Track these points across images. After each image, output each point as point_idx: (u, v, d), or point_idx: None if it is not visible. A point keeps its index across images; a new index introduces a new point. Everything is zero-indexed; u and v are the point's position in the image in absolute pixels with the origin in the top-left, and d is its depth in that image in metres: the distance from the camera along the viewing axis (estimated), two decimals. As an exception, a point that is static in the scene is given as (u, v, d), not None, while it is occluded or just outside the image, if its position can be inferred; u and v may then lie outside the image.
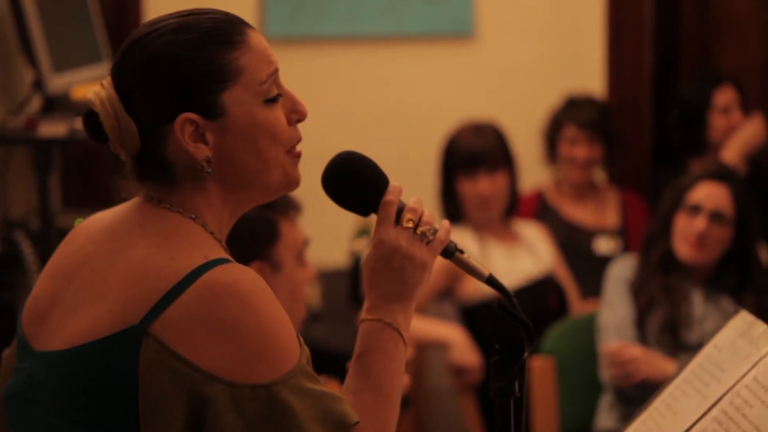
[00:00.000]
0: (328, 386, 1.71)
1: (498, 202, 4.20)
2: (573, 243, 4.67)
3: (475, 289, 4.04)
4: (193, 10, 1.74)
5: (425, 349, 4.14)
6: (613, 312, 3.75)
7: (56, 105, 3.75)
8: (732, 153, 4.64)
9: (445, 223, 1.84)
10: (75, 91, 3.88)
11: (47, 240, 3.59)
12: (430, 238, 1.79)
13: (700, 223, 3.67)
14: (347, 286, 4.41)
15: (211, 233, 1.73)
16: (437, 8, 5.03)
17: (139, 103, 1.69)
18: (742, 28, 5.19)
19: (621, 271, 3.81)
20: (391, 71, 5.08)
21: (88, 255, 1.74)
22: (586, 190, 4.84)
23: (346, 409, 1.67)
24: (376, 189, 1.80)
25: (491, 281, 1.81)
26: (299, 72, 4.86)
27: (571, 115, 4.79)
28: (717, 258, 3.72)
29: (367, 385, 1.74)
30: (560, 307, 4.21)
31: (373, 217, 1.80)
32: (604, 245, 4.72)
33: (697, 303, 3.70)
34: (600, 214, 4.83)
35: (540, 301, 4.16)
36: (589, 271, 4.49)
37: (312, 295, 4.17)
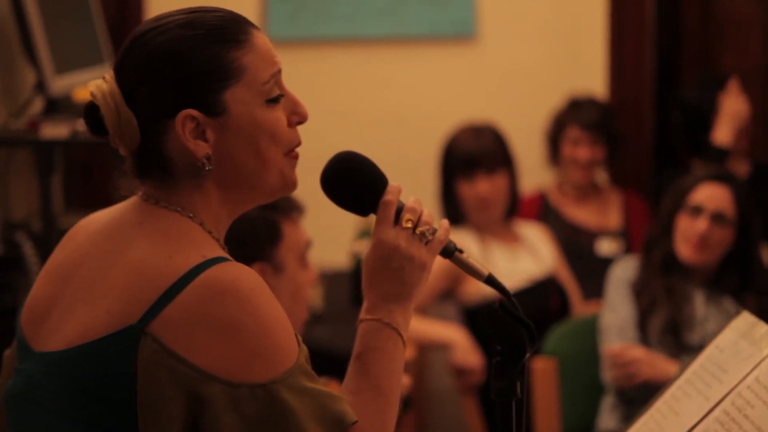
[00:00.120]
0: (330, 387, 1.71)
1: (498, 203, 4.20)
2: (575, 244, 4.67)
3: (476, 290, 4.04)
4: (198, 7, 1.74)
5: (427, 350, 4.14)
6: (615, 313, 3.75)
7: (58, 107, 3.75)
8: (723, 133, 4.60)
9: (444, 222, 1.83)
10: (77, 93, 3.88)
11: (49, 241, 3.59)
12: (429, 238, 1.79)
13: (701, 224, 3.67)
14: (349, 288, 4.41)
15: (209, 232, 1.73)
16: (438, 9, 5.03)
17: (141, 97, 1.69)
18: (743, 28, 5.19)
19: (623, 273, 3.81)
20: (392, 72, 5.08)
21: (87, 255, 1.74)
22: (588, 192, 4.84)
23: (345, 408, 1.66)
24: (375, 189, 1.79)
25: (490, 281, 1.81)
26: (300, 73, 4.86)
27: (574, 116, 4.79)
28: (718, 259, 3.72)
29: (366, 384, 1.74)
30: (562, 309, 4.21)
31: (375, 218, 1.80)
32: (606, 246, 4.72)
33: (699, 304, 3.70)
34: (602, 216, 4.83)
35: (542, 303, 4.16)
36: (590, 272, 4.49)
37: (314, 296, 4.17)
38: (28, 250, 3.62)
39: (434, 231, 1.80)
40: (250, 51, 1.72)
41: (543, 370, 3.87)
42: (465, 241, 4.14)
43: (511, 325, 1.79)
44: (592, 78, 5.11)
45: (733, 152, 4.64)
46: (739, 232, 3.71)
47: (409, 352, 3.95)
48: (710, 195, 3.70)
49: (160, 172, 1.72)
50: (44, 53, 3.66)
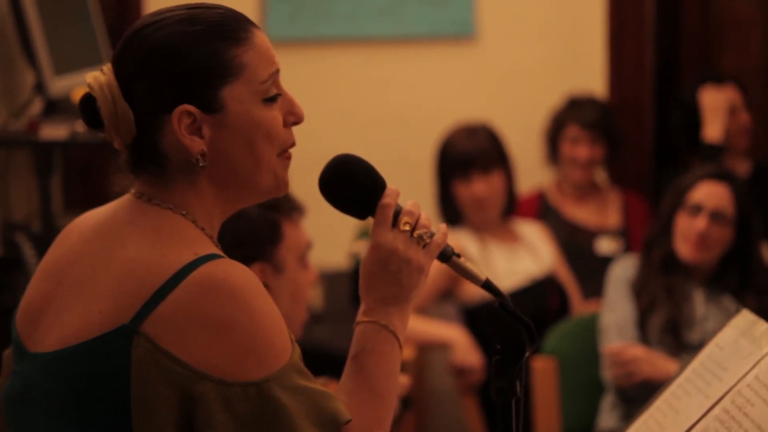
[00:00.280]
0: (329, 387, 1.71)
1: (494, 202, 4.20)
2: (574, 243, 4.67)
3: (476, 290, 4.02)
4: (199, 3, 1.74)
5: (427, 349, 4.14)
6: (615, 312, 3.75)
7: (57, 107, 3.75)
8: (712, 129, 4.59)
9: (442, 226, 1.83)
10: (76, 94, 3.88)
11: (49, 242, 3.55)
12: (427, 241, 1.79)
13: (701, 222, 3.67)
14: (349, 288, 4.41)
15: (202, 229, 1.72)
16: (438, 9, 5.03)
17: (138, 91, 1.69)
18: (743, 28, 5.19)
19: (622, 272, 3.81)
20: (392, 73, 5.07)
21: (79, 254, 1.74)
22: (587, 191, 4.84)
23: (338, 407, 1.66)
24: (373, 192, 1.79)
25: (488, 286, 1.81)
26: (299, 73, 4.87)
27: (573, 115, 4.79)
28: (718, 258, 3.72)
29: (361, 385, 1.73)
30: (561, 308, 4.21)
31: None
32: (605, 246, 4.72)
33: (699, 303, 3.70)
34: (601, 215, 4.83)
35: (541, 302, 4.16)
36: (590, 271, 4.49)
37: (314, 296, 4.17)
38: (28, 250, 3.62)
39: (432, 234, 1.80)
40: (250, 49, 1.71)
41: (543, 369, 3.87)
42: (464, 241, 4.14)
43: (511, 324, 1.79)
44: (592, 78, 5.11)
45: (730, 149, 4.64)
46: (739, 231, 3.71)
47: (409, 352, 3.96)
48: (709, 193, 3.70)
49: (155, 168, 1.71)
50: (43, 54, 3.66)
